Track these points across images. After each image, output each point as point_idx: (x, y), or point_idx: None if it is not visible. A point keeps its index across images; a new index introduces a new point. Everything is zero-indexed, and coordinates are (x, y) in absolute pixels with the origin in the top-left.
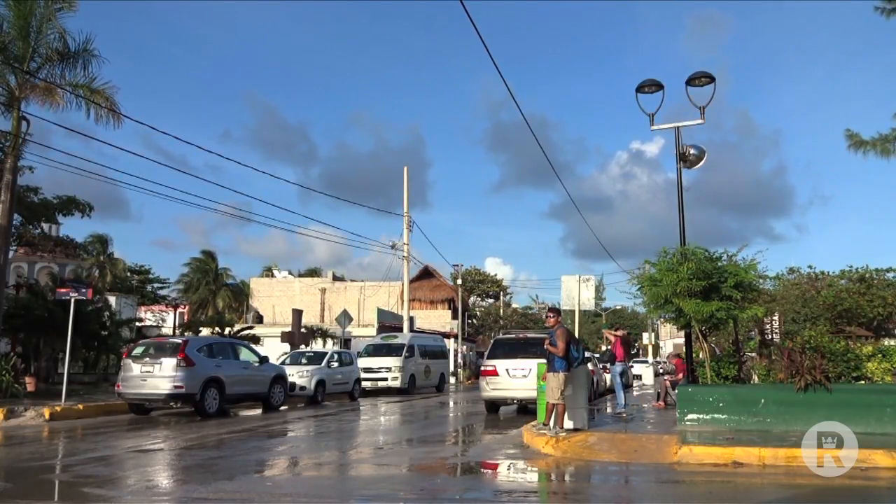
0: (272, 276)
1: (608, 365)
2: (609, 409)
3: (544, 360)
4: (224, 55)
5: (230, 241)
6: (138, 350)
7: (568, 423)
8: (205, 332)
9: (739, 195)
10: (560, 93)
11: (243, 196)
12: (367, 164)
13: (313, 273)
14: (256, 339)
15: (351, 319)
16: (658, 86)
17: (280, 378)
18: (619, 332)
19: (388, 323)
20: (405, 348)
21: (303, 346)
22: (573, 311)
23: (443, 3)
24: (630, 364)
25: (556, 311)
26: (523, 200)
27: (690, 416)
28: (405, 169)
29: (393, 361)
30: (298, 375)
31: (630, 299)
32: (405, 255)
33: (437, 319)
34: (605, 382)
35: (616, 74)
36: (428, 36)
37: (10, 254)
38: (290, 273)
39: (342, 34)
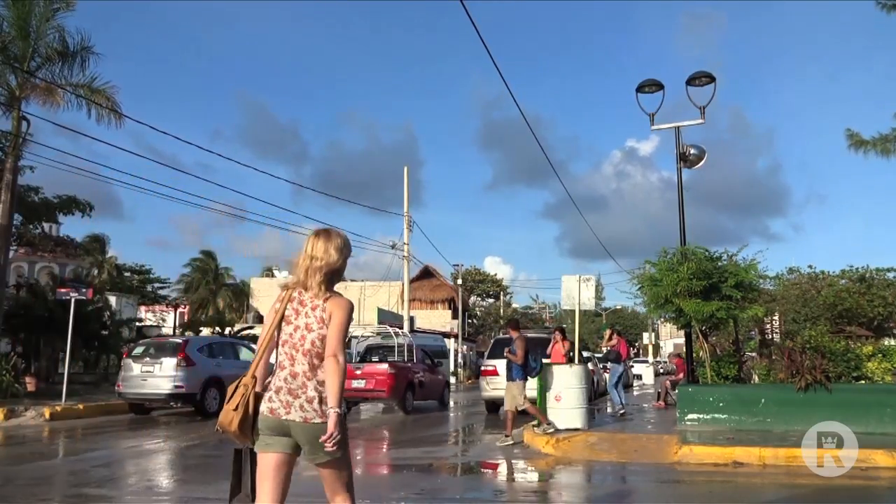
0: (272, 275)
1: (607, 365)
2: (609, 409)
3: (545, 360)
4: (214, 53)
5: (225, 240)
6: (138, 350)
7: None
8: (205, 331)
9: (734, 194)
10: (552, 91)
11: (237, 196)
12: (360, 164)
13: None
14: (257, 339)
15: (351, 319)
16: (658, 86)
17: None
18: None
19: (389, 323)
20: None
21: None
22: (573, 312)
23: (434, 3)
24: (630, 364)
25: (514, 324)
26: (519, 200)
27: (691, 416)
28: (405, 169)
29: None
30: None
31: (630, 299)
32: (405, 254)
33: (437, 319)
34: (606, 382)
35: (609, 72)
36: (420, 34)
37: (11, 254)
38: (291, 273)
39: (333, 32)
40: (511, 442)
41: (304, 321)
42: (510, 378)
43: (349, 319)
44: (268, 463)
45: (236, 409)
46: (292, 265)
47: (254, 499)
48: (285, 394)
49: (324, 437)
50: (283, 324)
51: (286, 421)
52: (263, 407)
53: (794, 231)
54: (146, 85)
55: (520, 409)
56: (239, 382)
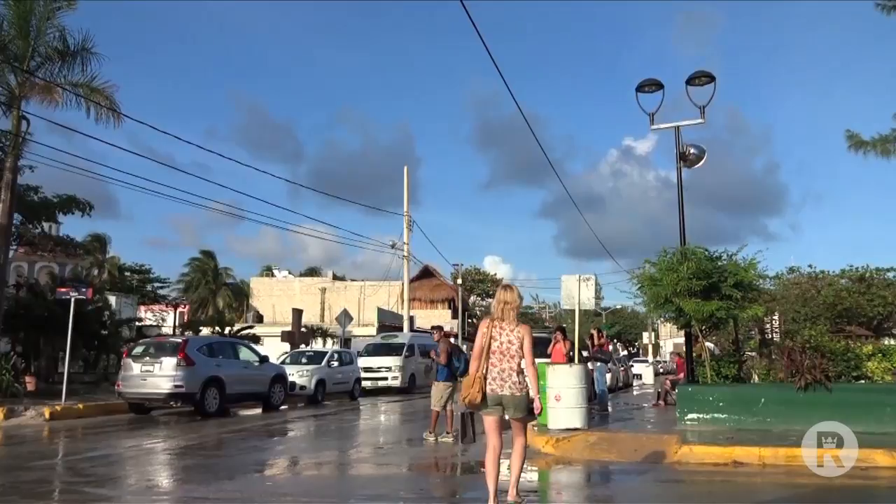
0: (272, 275)
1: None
2: (610, 409)
3: (545, 360)
4: (211, 53)
5: (221, 240)
6: (138, 349)
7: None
8: (205, 331)
9: (731, 194)
10: (550, 90)
11: (234, 195)
12: (356, 163)
13: (313, 272)
14: (256, 339)
15: (351, 319)
16: (658, 85)
17: (280, 377)
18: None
19: (389, 322)
20: (405, 348)
21: (303, 346)
22: (573, 311)
23: (433, 2)
24: (631, 363)
25: (439, 328)
26: (518, 199)
27: (690, 416)
28: (405, 168)
29: (393, 361)
30: (298, 375)
31: (630, 299)
32: (405, 254)
33: (437, 319)
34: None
35: (607, 72)
36: (419, 34)
37: (11, 253)
38: (290, 273)
39: (330, 31)
40: (433, 439)
41: (507, 338)
42: (436, 378)
43: (533, 339)
44: (491, 422)
45: (480, 391)
46: (492, 306)
47: (474, 439)
48: (500, 380)
49: (534, 407)
50: (492, 340)
51: (501, 395)
52: (487, 389)
53: (791, 231)
54: (143, 84)
55: (436, 410)
56: (475, 376)
